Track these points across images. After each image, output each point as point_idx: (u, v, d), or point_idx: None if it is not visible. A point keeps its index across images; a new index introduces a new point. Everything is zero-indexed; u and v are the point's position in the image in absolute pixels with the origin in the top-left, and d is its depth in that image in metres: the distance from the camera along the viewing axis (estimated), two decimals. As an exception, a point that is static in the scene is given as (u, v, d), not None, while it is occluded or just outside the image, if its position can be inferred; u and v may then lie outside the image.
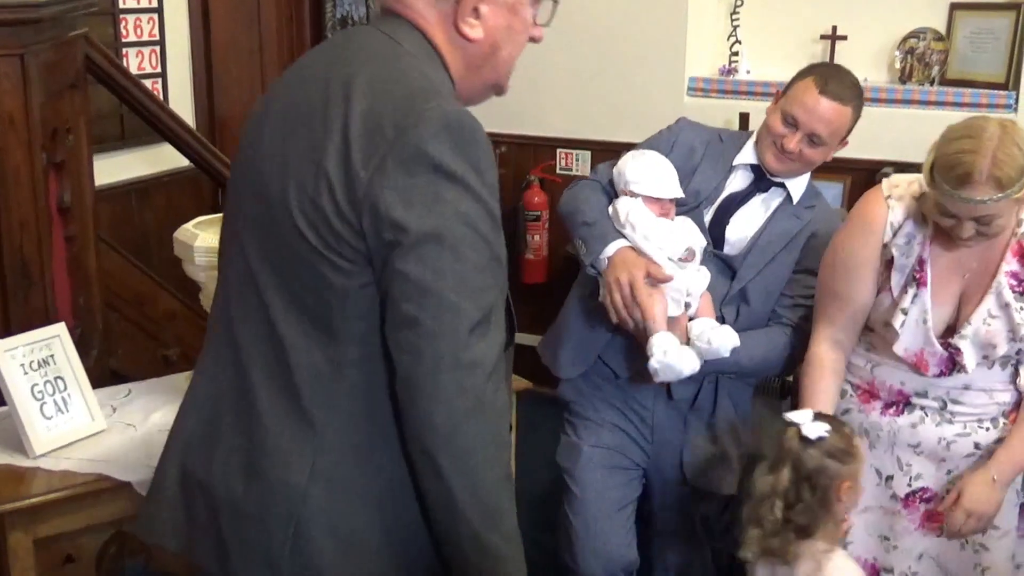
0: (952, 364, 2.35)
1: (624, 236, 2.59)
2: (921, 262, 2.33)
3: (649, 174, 2.65)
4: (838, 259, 2.48)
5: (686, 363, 2.47)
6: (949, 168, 2.14)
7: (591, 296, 2.70)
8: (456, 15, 1.62)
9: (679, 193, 2.67)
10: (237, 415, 1.64)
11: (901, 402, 2.44)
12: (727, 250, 2.74)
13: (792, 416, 2.23)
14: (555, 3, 1.73)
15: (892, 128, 4.27)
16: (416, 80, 1.55)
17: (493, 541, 1.55)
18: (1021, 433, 2.38)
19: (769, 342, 2.67)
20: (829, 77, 2.66)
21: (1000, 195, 2.13)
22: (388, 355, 1.54)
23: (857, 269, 2.42)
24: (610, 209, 2.66)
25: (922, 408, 2.42)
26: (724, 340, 2.52)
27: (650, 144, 2.83)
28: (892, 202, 2.39)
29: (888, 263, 2.38)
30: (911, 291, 2.34)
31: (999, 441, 2.39)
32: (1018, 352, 2.35)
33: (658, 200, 2.64)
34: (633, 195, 2.63)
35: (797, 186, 2.77)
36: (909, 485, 2.45)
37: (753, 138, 2.78)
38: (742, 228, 2.75)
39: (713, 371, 2.62)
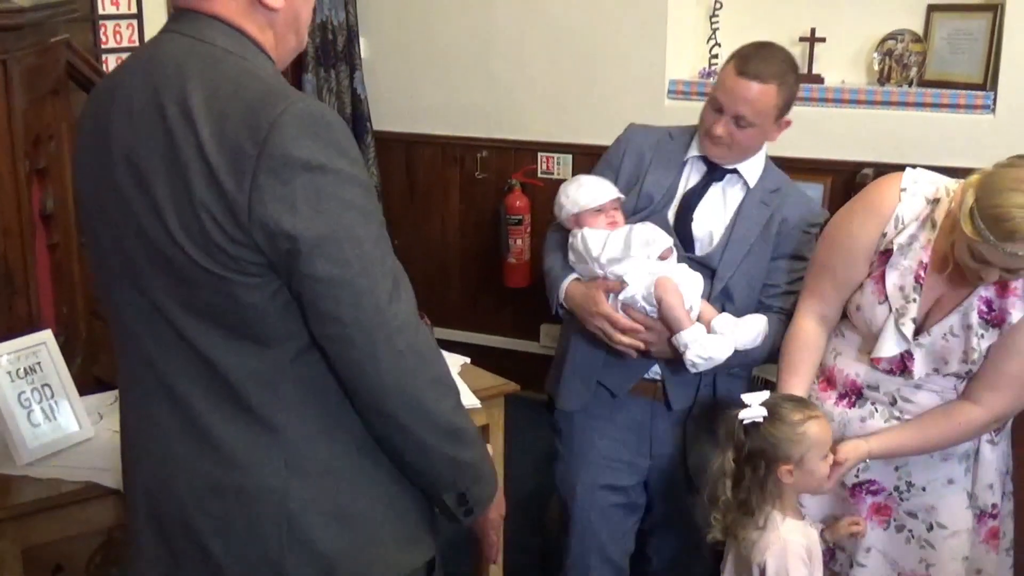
0: (903, 366, 2.38)
1: (576, 270, 2.71)
2: (923, 265, 2.32)
3: (573, 191, 2.72)
4: (838, 236, 2.48)
5: (721, 349, 2.54)
6: (997, 220, 2.08)
7: (580, 326, 2.74)
8: None
9: (614, 194, 2.70)
10: (190, 445, 1.65)
11: (854, 394, 2.47)
12: (698, 249, 2.73)
13: (745, 398, 2.33)
14: None
15: (872, 129, 4.31)
16: (251, 85, 1.54)
17: (465, 455, 1.71)
18: (915, 425, 2.39)
19: (771, 329, 2.66)
20: (750, 57, 2.62)
21: None
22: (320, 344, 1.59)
23: (854, 250, 2.42)
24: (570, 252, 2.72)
25: (873, 403, 2.44)
26: (746, 328, 2.60)
27: (604, 157, 2.89)
28: (906, 196, 2.37)
29: (883, 254, 2.39)
30: (909, 292, 2.35)
31: None
32: (967, 372, 2.36)
33: (597, 210, 2.68)
34: (576, 223, 2.70)
35: (751, 170, 2.74)
36: (856, 476, 2.47)
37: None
38: (707, 223, 2.74)
39: (724, 365, 2.61)
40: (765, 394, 2.36)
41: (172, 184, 1.53)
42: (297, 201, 1.49)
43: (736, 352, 2.57)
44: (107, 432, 2.40)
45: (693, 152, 2.76)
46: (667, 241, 2.62)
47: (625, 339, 2.61)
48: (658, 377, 2.75)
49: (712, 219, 2.74)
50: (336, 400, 1.64)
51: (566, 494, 2.89)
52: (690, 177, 2.77)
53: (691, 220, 2.73)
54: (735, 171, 2.74)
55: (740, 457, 2.34)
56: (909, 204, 2.36)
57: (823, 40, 4.57)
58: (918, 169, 2.42)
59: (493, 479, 1.82)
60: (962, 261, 2.22)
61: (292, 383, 1.62)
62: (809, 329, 2.53)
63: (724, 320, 2.59)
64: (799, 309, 2.56)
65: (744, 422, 2.32)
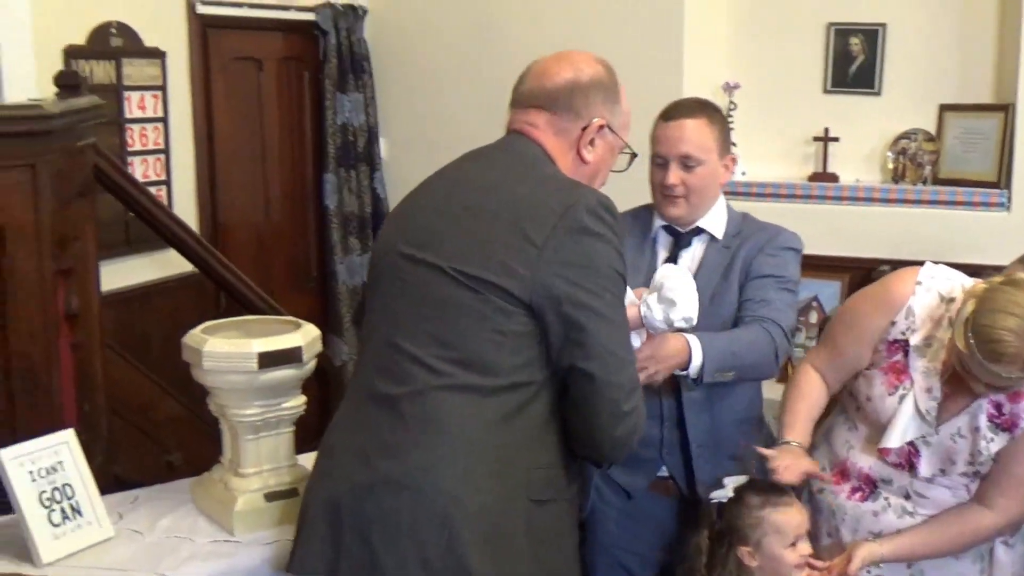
0: (910, 462, 2.37)
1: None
2: (947, 366, 2.31)
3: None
4: (848, 316, 2.52)
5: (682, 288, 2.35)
6: (986, 340, 2.11)
7: None
8: (580, 141, 2.11)
9: (631, 299, 2.48)
10: (380, 446, 1.93)
11: (867, 487, 2.45)
12: None
13: (726, 480, 2.44)
14: (632, 157, 2.22)
15: (887, 227, 4.34)
16: (560, 178, 2.05)
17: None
18: (927, 529, 2.37)
19: (754, 338, 2.53)
20: (671, 107, 2.68)
21: None
22: (537, 385, 1.93)
23: (860, 332, 2.45)
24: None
25: (886, 497, 2.42)
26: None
27: None
28: (920, 289, 2.39)
29: (893, 345, 2.39)
30: (936, 392, 2.33)
31: None
32: (975, 473, 2.34)
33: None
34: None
35: (715, 223, 2.69)
36: (868, 572, 2.43)
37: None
38: None
39: (711, 380, 2.48)
40: (744, 479, 2.44)
41: (471, 227, 1.95)
42: (580, 259, 1.90)
43: (730, 359, 2.46)
44: (127, 531, 2.40)
45: (656, 224, 2.73)
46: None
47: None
48: (666, 475, 2.72)
49: None
50: (529, 432, 1.94)
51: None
52: (658, 253, 2.73)
53: None
54: (699, 231, 2.70)
55: (712, 535, 2.43)
56: (922, 298, 2.38)
57: (837, 140, 4.64)
58: (938, 265, 2.44)
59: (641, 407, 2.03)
60: (956, 367, 2.24)
61: (494, 408, 1.90)
62: (811, 379, 2.56)
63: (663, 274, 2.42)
64: (804, 361, 2.60)
65: (713, 501, 2.43)
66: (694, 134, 2.61)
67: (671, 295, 2.32)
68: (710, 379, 2.46)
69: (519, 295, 1.89)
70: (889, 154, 4.56)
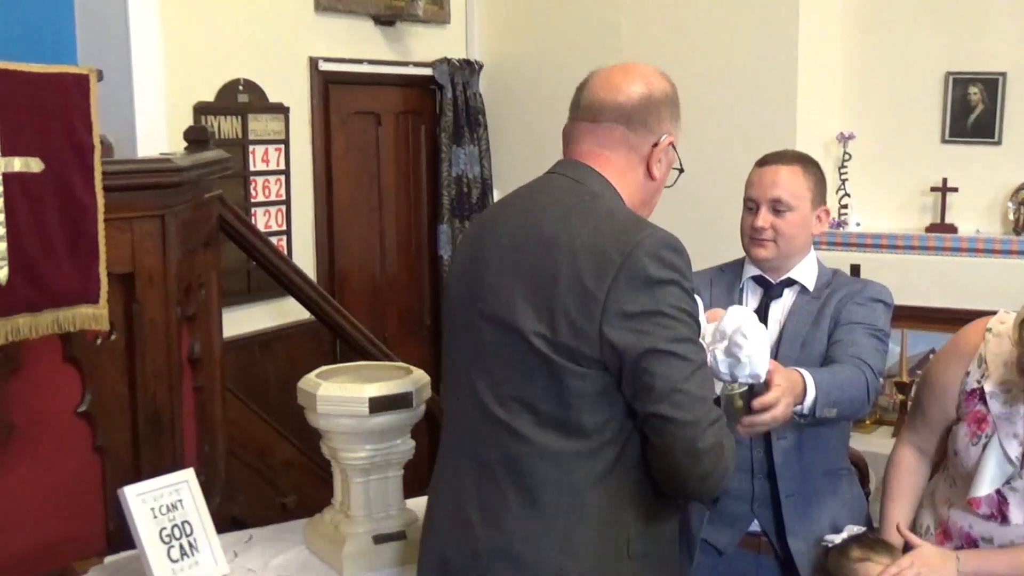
0: (1000, 512, 2.31)
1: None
2: None
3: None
4: (929, 376, 2.52)
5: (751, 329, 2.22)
6: None
7: None
8: (651, 157, 2.03)
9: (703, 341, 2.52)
10: (481, 512, 1.94)
11: (969, 547, 2.38)
12: None
13: (847, 528, 2.48)
14: (680, 172, 2.10)
15: (1007, 279, 4.23)
16: (620, 215, 1.93)
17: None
18: (1010, 554, 2.31)
19: (850, 374, 2.47)
20: (768, 155, 2.67)
21: None
22: (623, 439, 1.88)
23: (939, 390, 2.44)
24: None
25: None
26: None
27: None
28: (991, 336, 2.37)
29: (970, 395, 2.36)
30: (1019, 435, 2.29)
31: None
32: None
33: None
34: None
35: (806, 274, 2.67)
36: None
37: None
38: (775, 333, 2.65)
39: (820, 416, 2.39)
40: (862, 529, 2.47)
41: (537, 285, 1.88)
42: (647, 307, 1.82)
43: (836, 392, 2.39)
44: (241, 569, 2.47)
45: (746, 275, 2.72)
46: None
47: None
48: (758, 530, 2.68)
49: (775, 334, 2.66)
50: (623, 490, 1.90)
51: None
52: (747, 302, 2.71)
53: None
54: (790, 281, 2.68)
55: None
56: (993, 345, 2.35)
57: (955, 190, 4.55)
58: (1011, 313, 2.40)
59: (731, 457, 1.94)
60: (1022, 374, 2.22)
61: (586, 472, 1.88)
62: (907, 456, 2.56)
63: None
64: (899, 439, 2.60)
65: (823, 544, 2.47)
66: (787, 179, 2.61)
67: (739, 353, 2.20)
68: (819, 414, 2.41)
69: (590, 354, 1.83)
70: (1010, 204, 4.45)
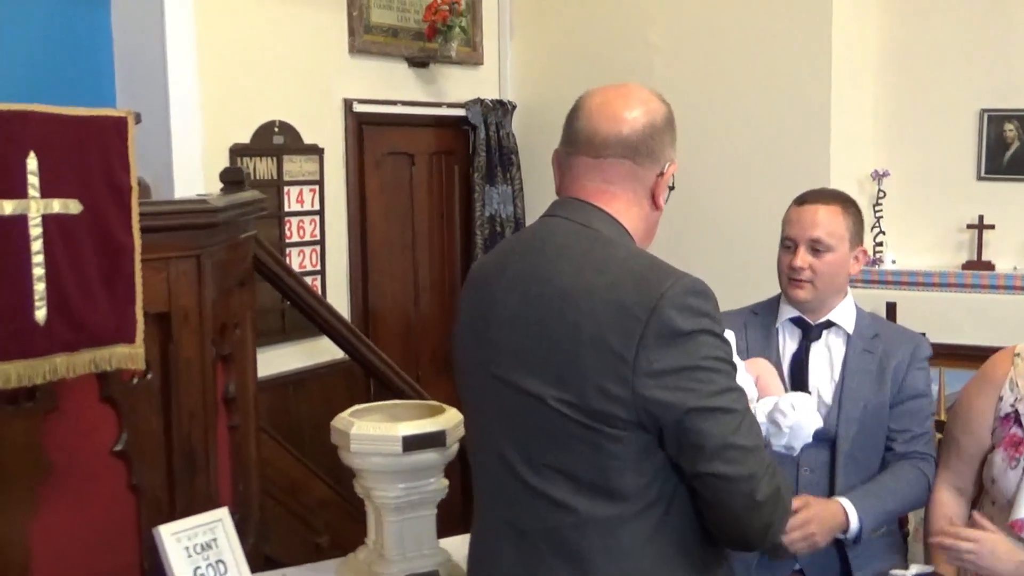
0: None
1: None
2: None
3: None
4: (960, 409, 2.51)
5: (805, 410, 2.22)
6: None
7: None
8: (657, 187, 1.92)
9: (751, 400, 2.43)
10: None
11: None
12: (820, 410, 2.53)
13: (912, 565, 2.51)
14: (670, 190, 1.97)
15: (1047, 316, 4.18)
16: (638, 261, 1.81)
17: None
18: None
19: (909, 486, 2.54)
20: (807, 194, 2.66)
21: None
22: (668, 496, 1.78)
23: (972, 420, 2.44)
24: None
25: None
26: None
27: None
28: (1019, 360, 2.39)
29: (1005, 419, 2.36)
30: None
31: None
32: None
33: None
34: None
35: (844, 316, 2.65)
36: None
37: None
38: (817, 385, 2.63)
39: (871, 530, 2.49)
40: (929, 569, 2.47)
41: (555, 346, 1.77)
42: (681, 364, 1.71)
43: (884, 517, 2.51)
44: (275, 610, 2.47)
45: (783, 317, 2.69)
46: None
47: (795, 535, 2.41)
48: (797, 566, 2.65)
49: (822, 380, 2.64)
50: (666, 551, 1.80)
51: None
52: (785, 344, 2.69)
53: (807, 382, 2.62)
54: (830, 324, 2.66)
55: None
56: (1023, 369, 2.37)
57: (992, 227, 4.51)
58: None
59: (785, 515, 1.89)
60: None
61: (630, 535, 1.77)
62: (946, 496, 2.53)
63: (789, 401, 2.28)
64: (935, 481, 2.56)
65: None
66: (826, 219, 2.59)
67: (782, 421, 2.17)
68: (867, 537, 2.50)
69: (626, 417, 1.72)
70: (1048, 241, 4.42)
